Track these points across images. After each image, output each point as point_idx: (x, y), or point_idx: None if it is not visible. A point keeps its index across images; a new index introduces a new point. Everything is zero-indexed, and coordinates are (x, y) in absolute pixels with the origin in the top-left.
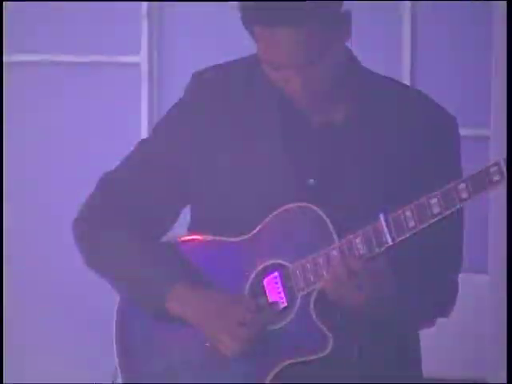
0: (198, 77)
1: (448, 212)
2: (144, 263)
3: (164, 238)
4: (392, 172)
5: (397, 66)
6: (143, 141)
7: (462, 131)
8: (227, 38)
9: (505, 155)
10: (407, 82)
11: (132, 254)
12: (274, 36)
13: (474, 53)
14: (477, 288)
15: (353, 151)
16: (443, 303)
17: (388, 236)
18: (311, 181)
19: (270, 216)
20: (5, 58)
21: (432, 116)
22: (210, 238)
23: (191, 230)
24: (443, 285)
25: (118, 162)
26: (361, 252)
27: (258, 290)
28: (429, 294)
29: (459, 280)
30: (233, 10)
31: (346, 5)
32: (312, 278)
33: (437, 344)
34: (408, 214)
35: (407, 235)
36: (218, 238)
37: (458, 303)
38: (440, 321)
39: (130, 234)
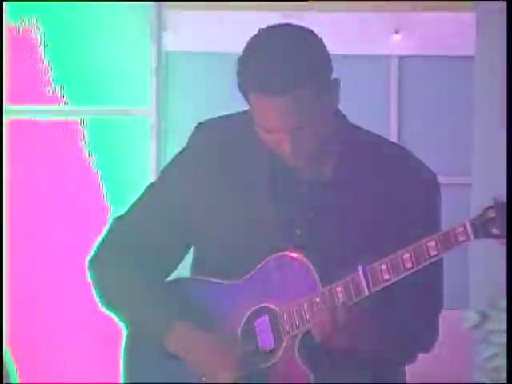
0: (201, 127)
1: (419, 267)
2: (145, 303)
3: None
4: (374, 225)
5: (385, 119)
6: (150, 185)
7: (447, 179)
8: (229, 91)
9: (484, 201)
10: (395, 133)
11: (135, 293)
12: (266, 103)
13: (456, 106)
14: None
15: (338, 205)
16: (423, 341)
17: (365, 287)
18: (298, 231)
19: (262, 263)
20: (5, 107)
21: (415, 173)
22: (208, 280)
23: (193, 271)
24: (423, 323)
25: (126, 208)
26: (340, 300)
27: (250, 332)
28: (408, 331)
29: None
30: (234, 66)
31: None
32: (297, 322)
33: (423, 378)
34: (383, 267)
35: (382, 286)
36: (215, 280)
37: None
38: (423, 356)
39: (136, 274)
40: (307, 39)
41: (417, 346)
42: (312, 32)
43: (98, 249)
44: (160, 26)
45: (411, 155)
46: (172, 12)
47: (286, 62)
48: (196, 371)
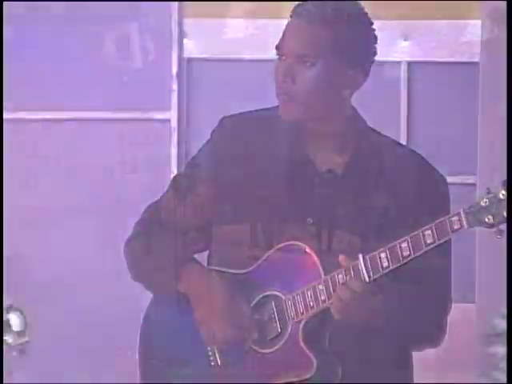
0: (224, 121)
1: (416, 254)
2: (160, 252)
3: None
4: (381, 218)
5: (395, 121)
6: (177, 175)
7: (453, 179)
8: (248, 96)
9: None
10: (404, 135)
11: (155, 250)
12: (292, 25)
13: (462, 110)
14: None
15: (348, 197)
16: (430, 335)
17: (365, 274)
18: (310, 220)
19: (269, 252)
20: (38, 115)
21: (423, 174)
22: (219, 269)
23: (210, 256)
24: (429, 321)
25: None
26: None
27: (256, 317)
28: (415, 322)
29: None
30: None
31: None
32: (301, 309)
33: (426, 371)
34: (383, 255)
35: (382, 274)
36: (226, 269)
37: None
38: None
39: (161, 240)
40: (361, 13)
41: (423, 337)
42: (370, 20)
43: (133, 229)
44: (181, 34)
45: (422, 158)
46: (191, 19)
47: (328, 5)
48: (200, 319)
